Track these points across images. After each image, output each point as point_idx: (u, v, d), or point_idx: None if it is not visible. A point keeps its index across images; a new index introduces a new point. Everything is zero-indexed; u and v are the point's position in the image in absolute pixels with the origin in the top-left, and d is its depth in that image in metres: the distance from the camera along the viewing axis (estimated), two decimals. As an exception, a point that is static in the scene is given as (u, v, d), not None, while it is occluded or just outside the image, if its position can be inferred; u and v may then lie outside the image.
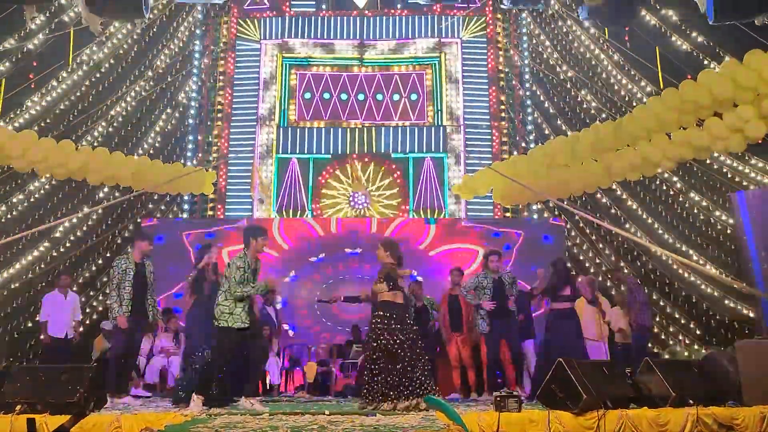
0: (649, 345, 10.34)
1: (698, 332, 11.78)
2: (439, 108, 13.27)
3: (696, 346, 11.32)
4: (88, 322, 11.69)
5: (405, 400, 6.04)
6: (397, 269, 6.55)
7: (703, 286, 11.91)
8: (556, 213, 12.36)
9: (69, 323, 9.10)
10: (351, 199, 12.73)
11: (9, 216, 11.96)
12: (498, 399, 5.44)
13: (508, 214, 12.51)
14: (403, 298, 6.57)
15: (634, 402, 5.86)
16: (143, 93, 13.18)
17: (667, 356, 10.08)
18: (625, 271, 11.71)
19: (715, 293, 11.85)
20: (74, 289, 11.86)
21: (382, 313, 6.34)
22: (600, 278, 11.63)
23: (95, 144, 12.30)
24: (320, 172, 12.96)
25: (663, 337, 11.77)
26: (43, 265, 11.93)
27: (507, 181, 9.57)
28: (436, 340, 9.13)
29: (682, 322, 11.91)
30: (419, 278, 9.90)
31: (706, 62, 11.71)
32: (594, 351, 8.59)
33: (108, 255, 12.45)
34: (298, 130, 13.16)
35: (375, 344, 6.27)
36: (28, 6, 7.49)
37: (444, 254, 11.56)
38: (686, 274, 12.02)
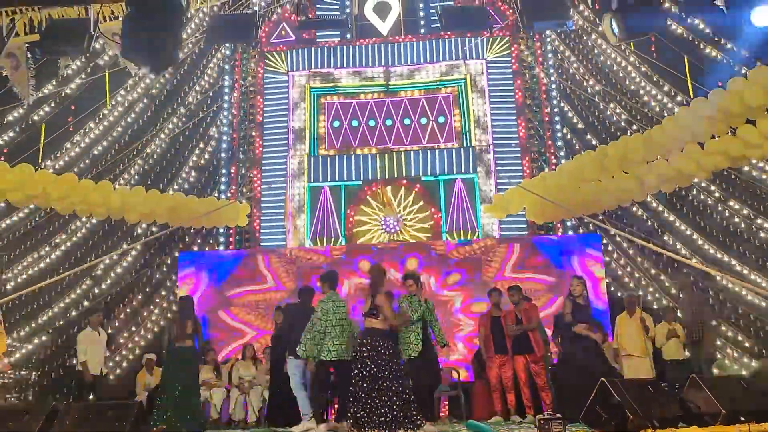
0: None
1: (746, 345, 11.43)
2: (467, 129, 13.29)
3: (745, 360, 10.99)
4: (131, 357, 11.90)
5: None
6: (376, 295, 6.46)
7: (749, 297, 11.58)
8: (591, 228, 12.19)
9: (103, 360, 9.22)
10: (383, 224, 12.78)
11: (53, 256, 12.34)
12: (542, 422, 5.37)
13: (541, 232, 12.38)
14: (382, 323, 6.37)
15: (683, 421, 5.71)
16: (176, 130, 13.53)
17: (715, 371, 9.78)
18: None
19: (763, 303, 11.51)
20: (116, 324, 12.17)
21: (364, 340, 6.26)
22: (640, 292, 11.39)
23: (132, 181, 12.67)
24: (352, 198, 13.06)
25: (710, 351, 11.42)
26: (86, 303, 12.22)
27: (539, 199, 9.50)
28: None
29: (729, 334, 11.58)
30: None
31: (736, 68, 11.53)
32: (637, 367, 8.42)
33: (147, 290, 12.70)
34: (329, 158, 13.30)
35: (357, 372, 6.20)
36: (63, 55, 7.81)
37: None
38: (730, 285, 11.71)
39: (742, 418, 5.51)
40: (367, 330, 6.29)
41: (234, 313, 11.44)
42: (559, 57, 13.78)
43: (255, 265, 11.69)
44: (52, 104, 12.76)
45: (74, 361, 11.30)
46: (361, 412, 5.96)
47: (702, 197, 12.39)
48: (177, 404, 7.37)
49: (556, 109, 13.30)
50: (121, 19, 7.73)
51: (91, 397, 9.12)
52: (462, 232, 12.63)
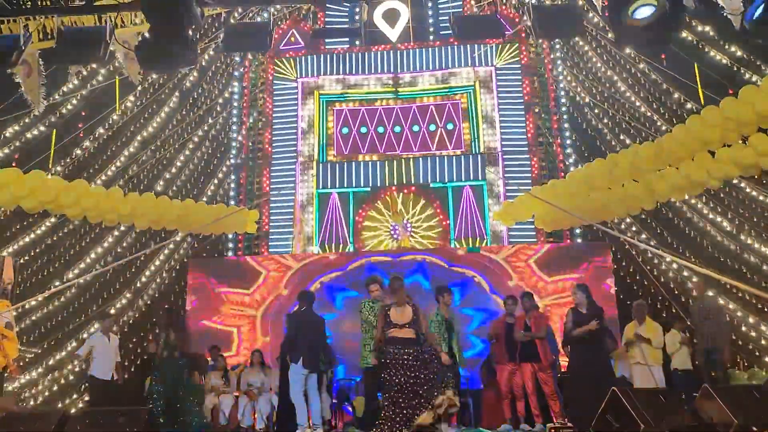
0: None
1: (757, 354, 11.35)
2: (476, 136, 13.29)
3: (756, 369, 10.90)
4: (139, 362, 11.93)
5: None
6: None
7: (760, 306, 11.50)
8: (600, 236, 12.15)
9: (113, 365, 9.18)
10: (391, 230, 12.78)
11: (61, 261, 12.40)
12: (552, 431, 5.35)
13: (551, 239, 12.34)
14: (415, 333, 6.58)
15: (695, 431, 5.68)
16: (185, 136, 13.59)
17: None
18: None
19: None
20: (125, 330, 12.19)
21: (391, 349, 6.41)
22: (649, 301, 11.33)
23: (141, 188, 12.73)
24: (360, 205, 13.07)
25: (724, 360, 11.31)
26: (95, 308, 12.26)
27: (548, 206, 9.49)
28: None
29: (740, 343, 11.49)
30: None
31: (747, 76, 11.51)
32: (644, 376, 8.36)
33: (156, 296, 12.73)
34: (337, 165, 13.31)
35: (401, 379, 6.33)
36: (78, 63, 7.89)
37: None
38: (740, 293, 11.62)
39: (755, 429, 5.47)
40: (404, 339, 6.42)
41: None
42: (569, 64, 13.78)
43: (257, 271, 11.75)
44: (63, 110, 12.83)
45: (84, 366, 11.44)
46: (399, 415, 6.11)
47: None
48: (177, 413, 7.50)
49: (565, 116, 13.27)
50: (132, 26, 7.81)
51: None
52: (470, 239, 12.61)
